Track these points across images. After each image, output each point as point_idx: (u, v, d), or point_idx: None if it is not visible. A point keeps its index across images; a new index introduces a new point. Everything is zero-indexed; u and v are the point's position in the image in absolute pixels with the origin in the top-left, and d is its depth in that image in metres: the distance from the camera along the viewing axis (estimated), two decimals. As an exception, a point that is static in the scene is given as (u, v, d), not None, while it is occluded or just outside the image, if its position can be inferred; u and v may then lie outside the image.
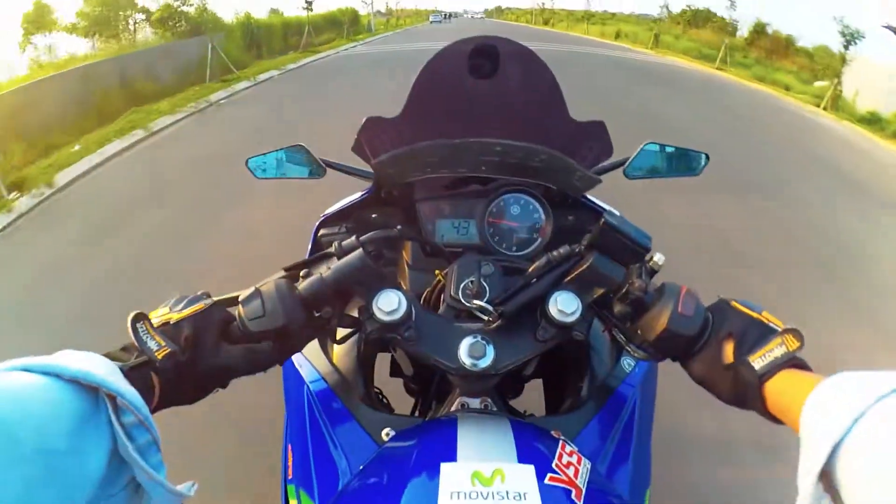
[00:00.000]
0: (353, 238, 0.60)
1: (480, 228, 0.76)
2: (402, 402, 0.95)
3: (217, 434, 1.77)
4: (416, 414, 0.91)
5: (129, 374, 0.42)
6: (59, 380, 0.35)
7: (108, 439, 0.36)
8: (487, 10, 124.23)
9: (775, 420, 0.45)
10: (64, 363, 0.35)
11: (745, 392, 0.47)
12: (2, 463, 0.29)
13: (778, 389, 0.44)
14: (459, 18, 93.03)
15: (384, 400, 0.85)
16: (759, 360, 0.45)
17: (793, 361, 0.45)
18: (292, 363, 0.76)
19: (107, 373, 0.37)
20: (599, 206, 0.85)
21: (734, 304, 0.51)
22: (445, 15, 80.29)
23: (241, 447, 1.73)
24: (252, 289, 0.55)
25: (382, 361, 0.92)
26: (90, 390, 0.36)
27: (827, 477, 0.35)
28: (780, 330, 0.47)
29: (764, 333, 0.47)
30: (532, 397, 0.94)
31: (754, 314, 0.49)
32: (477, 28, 32.87)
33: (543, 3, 43.56)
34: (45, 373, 0.35)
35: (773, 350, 0.45)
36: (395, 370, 0.92)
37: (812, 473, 0.35)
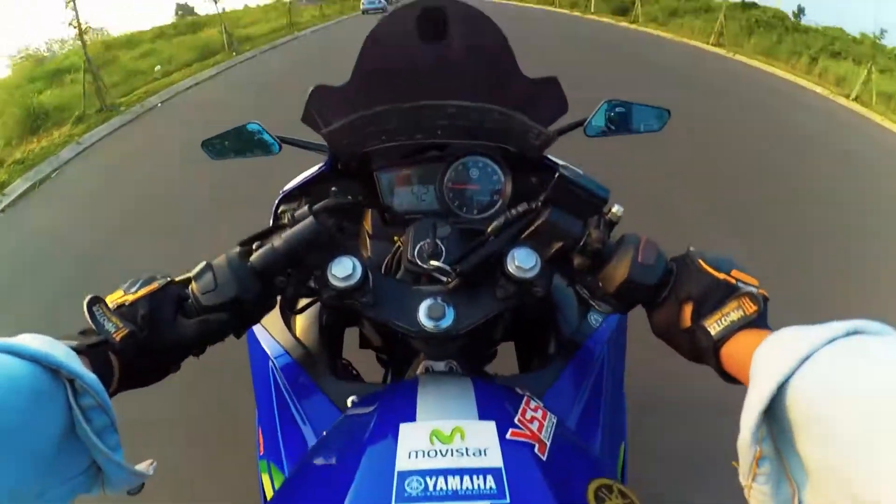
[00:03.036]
0: (306, 208, 0.59)
1: (439, 194, 0.75)
2: (375, 373, 0.94)
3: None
4: (387, 382, 0.91)
5: (89, 354, 0.42)
6: (18, 358, 0.34)
7: (63, 418, 0.36)
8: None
9: (731, 380, 0.45)
10: (24, 343, 0.35)
11: (701, 354, 0.47)
12: None
13: (733, 351, 0.44)
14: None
15: (353, 371, 0.84)
16: (714, 325, 0.45)
17: (749, 325, 0.44)
18: (257, 341, 0.75)
19: (66, 356, 0.37)
20: (557, 163, 0.83)
21: (700, 262, 0.49)
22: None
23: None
24: (204, 263, 0.54)
25: (353, 335, 0.92)
26: (49, 371, 0.36)
27: (770, 418, 0.34)
28: (739, 293, 0.45)
29: (723, 297, 0.46)
30: (509, 363, 0.94)
31: (719, 274, 0.47)
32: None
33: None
34: (6, 351, 0.35)
35: (730, 314, 0.44)
36: (365, 342, 0.91)
37: (754, 411, 0.34)
